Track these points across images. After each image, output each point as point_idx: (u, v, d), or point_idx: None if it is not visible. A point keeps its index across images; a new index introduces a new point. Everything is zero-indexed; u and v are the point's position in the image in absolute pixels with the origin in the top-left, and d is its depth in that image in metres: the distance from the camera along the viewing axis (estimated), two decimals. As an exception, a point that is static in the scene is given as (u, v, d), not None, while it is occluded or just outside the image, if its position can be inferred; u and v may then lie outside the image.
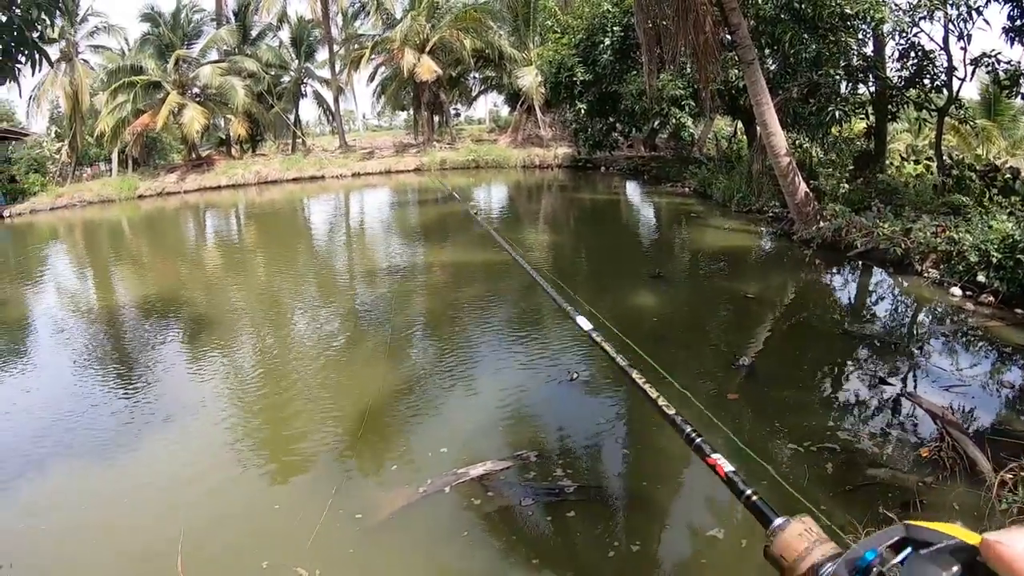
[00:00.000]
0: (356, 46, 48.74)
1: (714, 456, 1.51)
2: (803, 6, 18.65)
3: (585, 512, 6.11)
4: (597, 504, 6.29)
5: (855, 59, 19.90)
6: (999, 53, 17.76)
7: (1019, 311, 10.84)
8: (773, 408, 7.98)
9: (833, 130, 20.65)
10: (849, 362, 9.65)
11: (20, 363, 12.09)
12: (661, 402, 1.78)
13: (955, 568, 0.84)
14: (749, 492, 1.37)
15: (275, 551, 5.79)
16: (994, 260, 11.51)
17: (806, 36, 18.58)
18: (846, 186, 18.55)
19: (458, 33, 43.70)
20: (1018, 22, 16.48)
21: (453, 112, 63.25)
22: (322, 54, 52.17)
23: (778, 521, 1.22)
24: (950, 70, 18.48)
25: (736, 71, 23.03)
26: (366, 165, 46.89)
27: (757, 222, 20.25)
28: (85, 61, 44.34)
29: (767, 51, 21.41)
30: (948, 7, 17.39)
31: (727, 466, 1.45)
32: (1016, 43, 16.67)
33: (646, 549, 5.61)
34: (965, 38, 17.58)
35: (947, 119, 20.27)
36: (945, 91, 19.03)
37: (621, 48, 28.01)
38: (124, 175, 44.15)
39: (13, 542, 6.37)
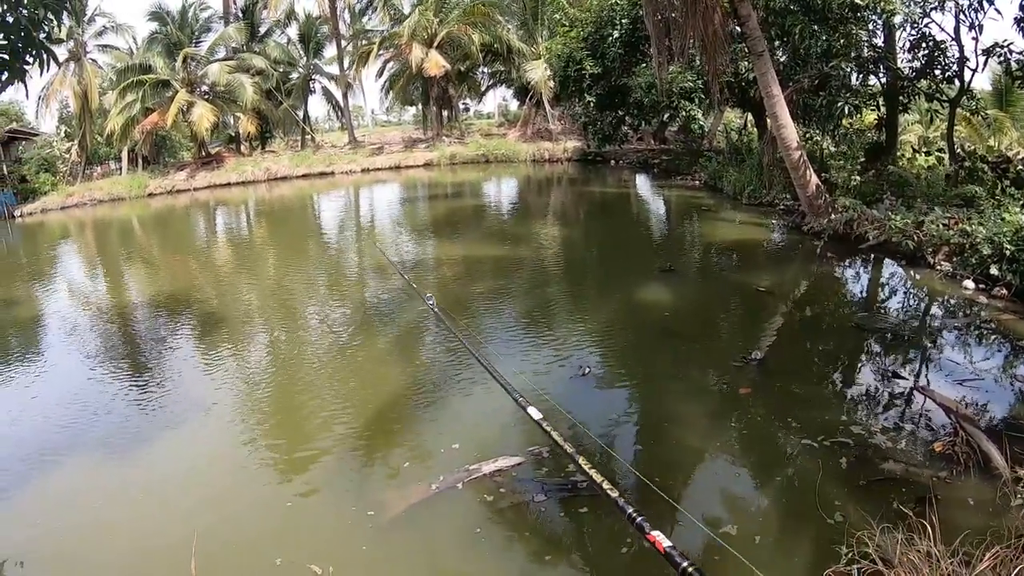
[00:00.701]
0: (364, 42, 48.80)
1: (653, 533, 1.53)
2: (813, -3, 18.55)
3: (598, 508, 6.11)
4: (609, 500, 6.28)
5: (866, 50, 19.76)
6: (1011, 43, 17.61)
7: (1033, 304, 10.79)
8: (785, 402, 7.96)
9: (844, 122, 20.52)
10: (861, 356, 9.60)
11: (33, 362, 12.18)
12: (605, 485, 1.80)
13: None
14: (686, 565, 1.38)
15: (288, 549, 5.81)
16: (1007, 252, 11.43)
17: (816, 27, 18.46)
18: (857, 178, 18.44)
19: (466, 27, 43.64)
20: (1030, 12, 16.34)
21: (462, 107, 63.27)
22: (330, 50, 52.32)
23: None
24: (961, 61, 18.34)
25: (746, 63, 22.96)
26: (375, 161, 46.91)
27: (768, 215, 20.17)
28: (93, 61, 44.59)
29: (777, 43, 21.32)
30: (959, -3, 17.27)
31: (665, 542, 1.48)
32: (1028, 33, 16.53)
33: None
34: (976, 28, 17.46)
35: (959, 110, 20.13)
36: (957, 82, 18.89)
37: (630, 41, 27.88)
38: (134, 173, 44.37)
39: (29, 540, 6.43)
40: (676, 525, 5.93)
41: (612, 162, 40.09)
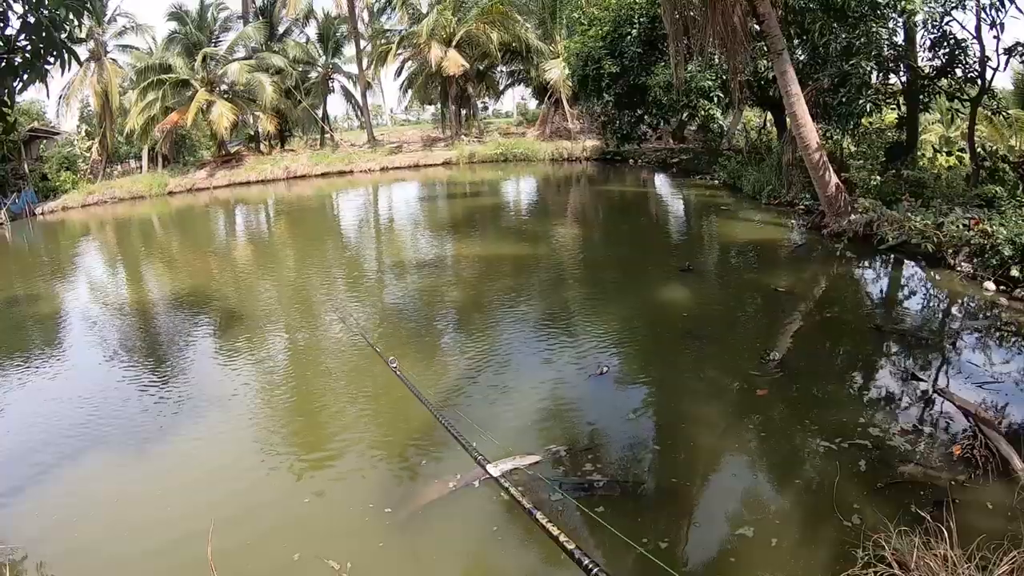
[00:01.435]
0: (383, 41, 48.91)
1: None
2: (832, -5, 18.43)
3: (614, 507, 6.13)
4: (626, 499, 6.30)
5: (886, 49, 19.61)
6: (1033, 43, 17.44)
7: (1055, 306, 10.70)
8: (803, 403, 7.95)
9: (864, 121, 20.38)
10: (880, 357, 9.55)
11: (54, 357, 12.36)
12: (562, 538, 1.80)
13: None
14: None
15: (306, 544, 5.88)
16: (1029, 254, 11.35)
17: (836, 25, 18.35)
18: (878, 178, 18.33)
19: (484, 26, 43.69)
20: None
21: (480, 106, 63.27)
22: (349, 49, 52.55)
23: None
24: (983, 60, 18.16)
25: (765, 61, 22.83)
26: (394, 159, 47.06)
27: (787, 215, 20.07)
28: (114, 60, 45.04)
29: (796, 41, 21.20)
30: (980, -5, 17.11)
31: None
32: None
33: (675, 545, 5.62)
34: (998, 27, 17.27)
35: (980, 109, 19.93)
36: (978, 81, 18.71)
37: (648, 39, 27.83)
38: (154, 172, 44.82)
39: (44, 532, 6.54)
40: (692, 528, 5.95)
41: (631, 161, 39.97)
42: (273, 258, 21.03)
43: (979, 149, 19.79)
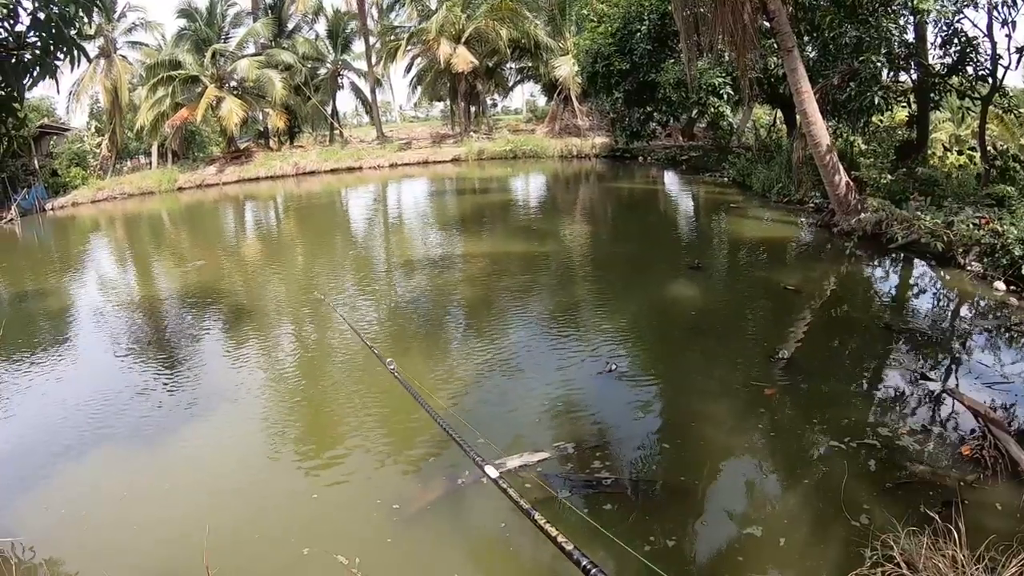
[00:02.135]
0: (392, 37, 48.89)
1: None
2: (843, -9, 18.35)
3: (622, 505, 6.14)
4: (635, 497, 6.30)
5: (896, 46, 19.49)
6: (1046, 40, 17.33)
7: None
8: (812, 402, 7.93)
9: (875, 119, 20.29)
10: (889, 357, 9.51)
11: (63, 352, 12.42)
12: (560, 539, 1.78)
13: None
14: None
15: (315, 539, 5.91)
16: (1040, 254, 11.29)
17: (846, 22, 18.25)
18: (888, 176, 18.27)
19: (493, 23, 43.66)
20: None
21: (490, 102, 63.26)
22: (358, 46, 52.74)
23: None
24: (994, 57, 18.03)
25: (775, 58, 22.76)
26: (403, 156, 47.11)
27: (797, 213, 20.01)
28: (123, 57, 45.25)
29: (806, 38, 21.12)
30: (992, -8, 16.99)
31: None
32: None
33: (683, 544, 5.62)
34: (1010, 25, 17.13)
35: (991, 108, 19.80)
36: (989, 79, 18.60)
37: (658, 36, 27.80)
38: (164, 168, 44.95)
39: (49, 527, 6.59)
40: (700, 527, 5.94)
41: (640, 158, 39.88)
42: (282, 255, 21.08)
43: (990, 148, 19.70)
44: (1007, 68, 18.04)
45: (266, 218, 31.22)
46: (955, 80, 19.35)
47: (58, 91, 55.26)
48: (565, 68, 43.23)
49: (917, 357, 9.26)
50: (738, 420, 7.67)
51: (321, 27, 53.05)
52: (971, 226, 13.41)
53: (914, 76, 20.92)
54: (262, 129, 51.93)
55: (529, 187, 35.84)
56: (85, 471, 7.71)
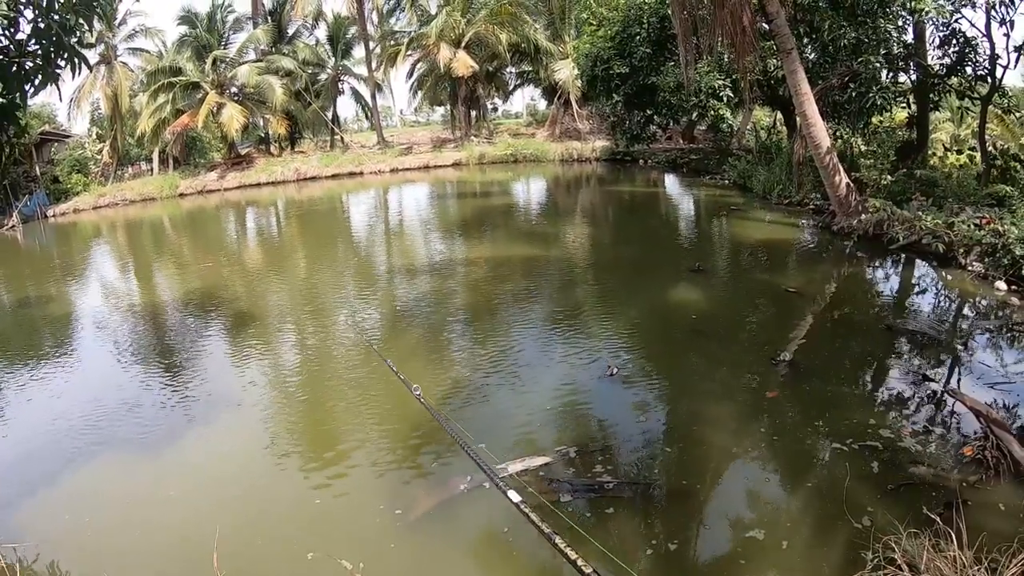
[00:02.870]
0: (392, 42, 48.97)
1: None
2: (842, -8, 18.38)
3: (624, 508, 6.14)
4: (637, 501, 6.30)
5: (895, 47, 19.50)
6: (1044, 40, 17.32)
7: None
8: (814, 404, 7.93)
9: (874, 119, 20.30)
10: (891, 358, 9.51)
11: (66, 359, 12.45)
12: (580, 563, 1.79)
13: None
14: None
15: (319, 544, 5.92)
16: (1041, 253, 11.29)
17: (845, 23, 18.27)
18: (888, 177, 18.26)
19: (493, 27, 43.69)
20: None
21: (490, 106, 63.27)
22: (359, 51, 52.70)
23: None
24: (993, 57, 18.04)
25: (775, 60, 22.76)
26: (404, 160, 47.12)
27: (798, 214, 20.03)
28: (124, 64, 45.30)
29: (806, 40, 21.13)
30: (990, -8, 16.99)
31: None
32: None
33: (685, 547, 5.63)
34: (1008, 24, 17.14)
35: (991, 108, 19.81)
36: (988, 79, 18.61)
37: (657, 39, 27.79)
38: (165, 174, 45.05)
39: (54, 532, 6.60)
40: (702, 531, 5.94)
41: (641, 161, 39.90)
42: (284, 260, 21.09)
43: (990, 148, 19.70)
44: (1006, 67, 18.06)
45: (268, 224, 31.22)
46: (954, 80, 19.36)
47: (60, 98, 55.37)
48: (565, 72, 43.27)
49: (918, 358, 9.27)
50: (740, 423, 7.67)
51: (321, 33, 53.19)
52: (972, 226, 13.41)
53: (913, 77, 20.94)
54: (263, 135, 51.93)
55: (530, 191, 35.85)
56: (88, 476, 7.73)
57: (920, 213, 14.86)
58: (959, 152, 22.01)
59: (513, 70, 53.48)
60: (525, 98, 75.96)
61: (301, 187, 43.00)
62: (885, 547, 4.88)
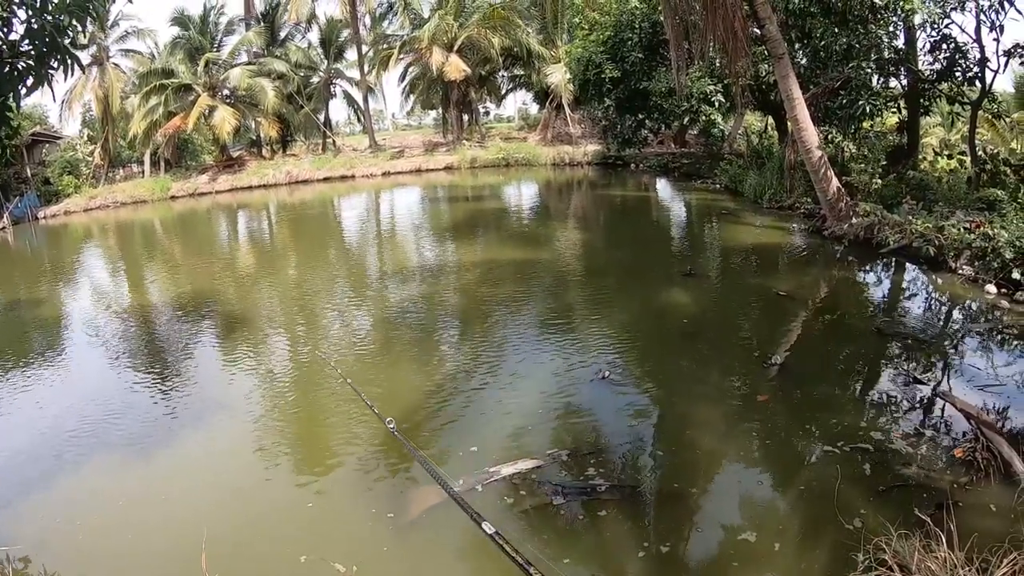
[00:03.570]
0: (384, 46, 48.97)
1: None
2: (833, -2, 18.46)
3: (617, 511, 6.15)
4: (629, 504, 6.31)
5: (886, 52, 19.58)
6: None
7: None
8: (805, 407, 7.97)
9: (865, 124, 20.38)
10: (882, 361, 9.56)
11: (57, 362, 12.38)
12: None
13: None
14: None
15: (311, 547, 5.90)
16: (1030, 257, 11.34)
17: (836, 29, 18.35)
18: (879, 182, 18.34)
19: (486, 31, 43.77)
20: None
21: (482, 110, 63.32)
22: (351, 54, 52.53)
23: None
24: (983, 62, 18.14)
25: (766, 66, 22.84)
26: (396, 164, 47.12)
27: (789, 218, 20.11)
28: (116, 65, 45.13)
29: (797, 45, 21.21)
30: (979, -3, 17.08)
31: None
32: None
33: (677, 550, 5.63)
34: (997, 29, 17.21)
35: (981, 112, 19.90)
36: (978, 84, 18.70)
37: (649, 44, 27.87)
38: (157, 176, 44.88)
39: (45, 534, 6.57)
40: (694, 533, 5.95)
41: (632, 166, 39.98)
42: (274, 264, 21.06)
43: (980, 152, 19.77)
44: (995, 72, 18.17)
45: (259, 227, 31.16)
46: (945, 85, 19.45)
47: (54, 99, 55.22)
48: (557, 76, 43.31)
49: (909, 361, 9.31)
50: (731, 426, 7.69)
51: (314, 36, 53.05)
52: (962, 230, 13.47)
53: (904, 82, 21.02)
54: (255, 138, 51.81)
55: (522, 195, 35.90)
56: (80, 479, 7.69)
57: (911, 217, 14.93)
58: (949, 156, 22.04)
59: (505, 74, 53.56)
60: (517, 102, 76.25)
61: (293, 190, 42.95)
62: (876, 548, 4.90)
